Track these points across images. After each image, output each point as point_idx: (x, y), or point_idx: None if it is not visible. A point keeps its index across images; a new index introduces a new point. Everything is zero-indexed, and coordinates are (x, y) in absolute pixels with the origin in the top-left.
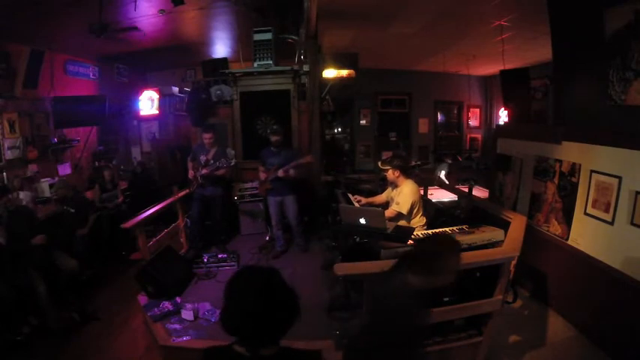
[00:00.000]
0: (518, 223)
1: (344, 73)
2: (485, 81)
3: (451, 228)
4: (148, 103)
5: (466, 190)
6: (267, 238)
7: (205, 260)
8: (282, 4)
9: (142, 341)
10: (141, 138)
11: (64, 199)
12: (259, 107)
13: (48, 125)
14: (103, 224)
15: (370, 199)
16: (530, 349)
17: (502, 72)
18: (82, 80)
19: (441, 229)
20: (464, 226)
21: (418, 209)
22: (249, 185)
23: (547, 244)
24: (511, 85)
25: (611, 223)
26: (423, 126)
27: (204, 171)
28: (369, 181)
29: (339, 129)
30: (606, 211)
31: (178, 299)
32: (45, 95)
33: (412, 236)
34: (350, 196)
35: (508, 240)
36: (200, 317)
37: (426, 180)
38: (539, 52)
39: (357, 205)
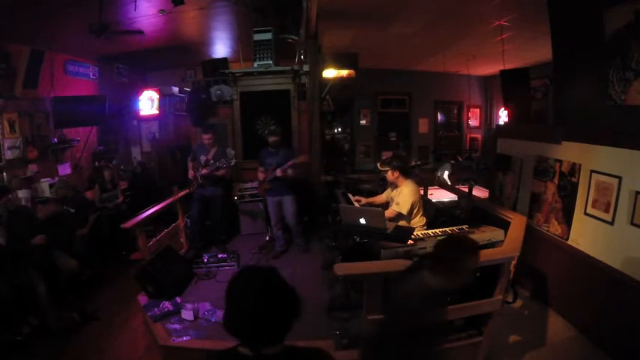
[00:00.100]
0: (518, 223)
1: (344, 73)
2: (485, 81)
3: (451, 228)
4: (147, 103)
5: (466, 190)
6: (267, 238)
7: (205, 260)
8: (282, 4)
9: (142, 341)
10: (141, 138)
11: (64, 199)
12: (259, 107)
13: (48, 125)
14: (103, 224)
15: (370, 199)
16: (530, 349)
17: (502, 72)
18: (82, 80)
19: (449, 229)
20: (464, 226)
21: (418, 209)
22: (249, 185)
23: (547, 244)
24: (511, 85)
25: (611, 223)
26: (423, 126)
27: (204, 171)
28: (369, 181)
29: (339, 129)
30: (606, 211)
31: (178, 299)
32: (45, 95)
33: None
34: (350, 196)
35: (508, 240)
36: (200, 317)
37: (426, 180)
38: (539, 52)
39: (357, 205)
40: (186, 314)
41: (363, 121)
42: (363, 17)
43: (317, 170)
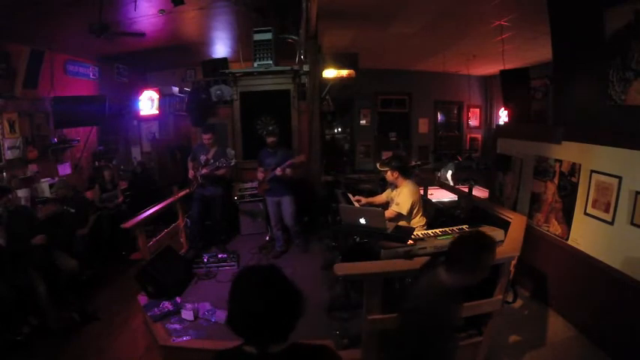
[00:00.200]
0: (518, 223)
1: (344, 73)
2: (485, 81)
3: (451, 228)
4: (147, 103)
5: (466, 190)
6: (267, 238)
7: (205, 260)
8: (282, 4)
9: (142, 341)
10: (141, 138)
11: (64, 199)
12: (259, 107)
13: (48, 125)
14: (103, 224)
15: (370, 199)
16: (530, 349)
17: (502, 72)
18: (82, 80)
19: (449, 229)
20: (464, 226)
21: (418, 209)
22: (249, 185)
23: (547, 244)
24: (511, 85)
25: (611, 223)
26: (423, 126)
27: (204, 171)
28: (369, 181)
29: (339, 129)
30: (606, 211)
31: (178, 299)
32: (45, 95)
33: (424, 237)
34: (350, 196)
35: (508, 240)
36: (200, 317)
37: (426, 180)
38: (539, 52)
39: (357, 205)
40: (186, 314)
41: (363, 121)
42: (363, 17)
43: (317, 170)
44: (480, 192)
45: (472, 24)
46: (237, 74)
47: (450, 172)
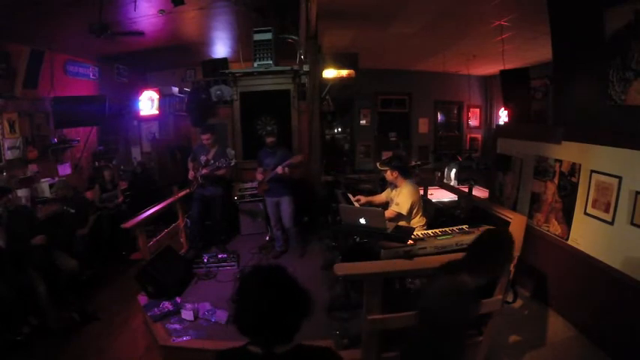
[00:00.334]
0: (518, 223)
1: (344, 73)
2: (486, 81)
3: (451, 228)
4: (147, 103)
5: (466, 190)
6: (267, 238)
7: (205, 260)
8: (282, 4)
9: (142, 341)
10: (141, 138)
11: (64, 199)
12: (259, 107)
13: (48, 125)
14: (103, 224)
15: (370, 198)
16: (530, 349)
17: (502, 72)
18: (82, 80)
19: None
20: (464, 226)
21: (418, 209)
22: (249, 185)
23: (547, 244)
24: (511, 85)
25: (611, 223)
26: (423, 126)
27: (204, 171)
28: (369, 181)
29: (339, 129)
30: (606, 211)
31: (178, 299)
32: (45, 95)
33: (424, 237)
34: (350, 196)
35: None
36: (200, 317)
37: (426, 180)
38: (539, 52)
39: (356, 204)
40: (186, 314)
41: (363, 121)
42: (363, 17)
43: (317, 170)
44: (479, 192)
45: (472, 24)
46: (237, 74)
47: (453, 171)
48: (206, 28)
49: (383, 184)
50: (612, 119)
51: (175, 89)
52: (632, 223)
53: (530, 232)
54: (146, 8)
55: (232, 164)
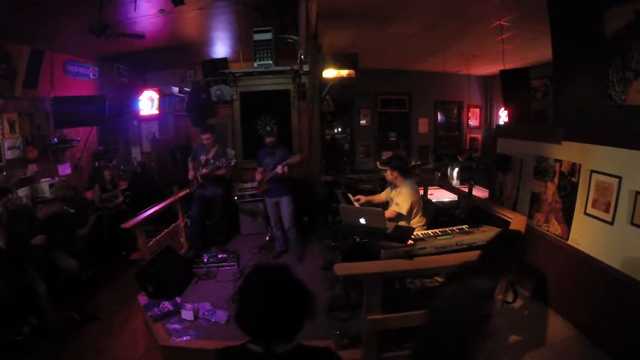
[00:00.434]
0: (518, 223)
1: (344, 73)
2: (486, 81)
3: (451, 228)
4: (148, 103)
5: (466, 190)
6: (267, 238)
7: (205, 260)
8: (282, 4)
9: (142, 341)
10: (141, 138)
11: (64, 199)
12: (259, 107)
13: (48, 125)
14: (103, 224)
15: (369, 198)
16: (530, 349)
17: (502, 72)
18: (82, 80)
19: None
20: (464, 226)
21: (418, 209)
22: (249, 185)
23: (547, 244)
24: (511, 85)
25: (611, 223)
26: (423, 126)
27: (204, 170)
28: (369, 181)
29: (339, 129)
30: (606, 211)
31: (178, 299)
32: (45, 95)
33: (424, 237)
34: (350, 196)
35: None
36: (200, 317)
37: (426, 180)
38: (539, 52)
39: (356, 204)
40: (186, 314)
41: (363, 121)
42: (363, 17)
43: (317, 170)
44: (480, 192)
45: (472, 24)
46: (237, 74)
47: (456, 170)
48: (206, 28)
49: (383, 184)
50: (612, 119)
51: (175, 89)
52: (632, 223)
53: (530, 232)
54: (146, 8)
55: (232, 164)
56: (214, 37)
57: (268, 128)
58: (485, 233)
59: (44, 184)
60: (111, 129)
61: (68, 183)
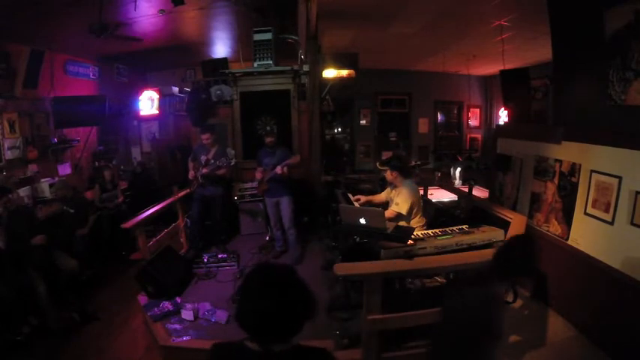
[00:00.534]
0: (518, 223)
1: (344, 73)
2: (486, 81)
3: (451, 228)
4: (148, 103)
5: (466, 190)
6: (267, 238)
7: (205, 260)
8: (282, 4)
9: (142, 341)
10: (141, 138)
11: (64, 199)
12: (259, 107)
13: (48, 125)
14: (103, 224)
15: (369, 198)
16: (530, 349)
17: (502, 72)
18: (82, 80)
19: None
20: (464, 226)
21: (417, 209)
22: (249, 185)
23: (547, 244)
24: (511, 85)
25: (611, 223)
26: (423, 126)
27: (204, 170)
28: (369, 181)
29: (339, 129)
30: (606, 211)
31: (178, 299)
32: (45, 95)
33: (424, 237)
34: (350, 196)
35: None
36: (200, 317)
37: (426, 180)
38: (539, 52)
39: (356, 204)
40: (186, 314)
41: (363, 121)
42: (363, 17)
43: (317, 170)
44: (480, 192)
45: (472, 24)
46: (237, 74)
47: (458, 170)
48: (206, 28)
49: (383, 184)
50: (612, 119)
51: (175, 89)
52: (632, 223)
53: (530, 232)
54: (146, 8)
55: (232, 164)
56: (214, 37)
57: (268, 128)
58: (485, 233)
59: (44, 184)
60: (111, 129)
61: (68, 183)
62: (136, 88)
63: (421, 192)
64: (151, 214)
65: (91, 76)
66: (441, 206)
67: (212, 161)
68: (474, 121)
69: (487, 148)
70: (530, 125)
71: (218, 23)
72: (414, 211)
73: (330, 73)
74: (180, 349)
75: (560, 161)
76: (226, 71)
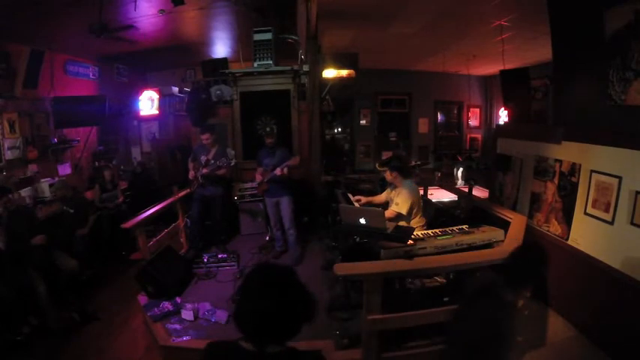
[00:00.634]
0: (518, 223)
1: (344, 73)
2: (486, 81)
3: (451, 228)
4: (147, 103)
5: (466, 190)
6: (267, 238)
7: (205, 260)
8: (282, 4)
9: (142, 341)
10: (141, 138)
11: (64, 199)
12: (259, 107)
13: (48, 125)
14: (103, 224)
15: (370, 198)
16: (530, 349)
17: (502, 72)
18: (82, 80)
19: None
20: (464, 226)
21: (417, 210)
22: (249, 185)
23: (547, 244)
24: (511, 85)
25: (611, 223)
26: (423, 126)
27: (204, 170)
28: (369, 181)
29: (339, 129)
30: (606, 211)
31: (178, 299)
32: (45, 95)
33: (424, 237)
34: (350, 196)
35: (508, 240)
36: (200, 317)
37: (426, 180)
38: (539, 52)
39: (356, 205)
40: (186, 314)
41: (363, 121)
42: (363, 17)
43: (317, 170)
44: (480, 192)
45: (472, 24)
46: (237, 74)
47: (461, 170)
48: (206, 28)
49: (383, 184)
50: (612, 119)
51: (175, 89)
52: (632, 223)
53: (530, 232)
54: (146, 8)
55: (232, 164)
56: (214, 37)
57: (268, 129)
58: (485, 233)
59: (44, 184)
60: (111, 129)
61: (68, 183)
62: (136, 88)
63: (421, 192)
64: (151, 214)
65: (91, 76)
66: (441, 206)
67: (212, 161)
68: (473, 121)
69: (487, 148)
70: (530, 125)
71: (218, 23)
72: (414, 211)
73: (330, 73)
74: (180, 349)
75: (560, 161)
76: (226, 71)
